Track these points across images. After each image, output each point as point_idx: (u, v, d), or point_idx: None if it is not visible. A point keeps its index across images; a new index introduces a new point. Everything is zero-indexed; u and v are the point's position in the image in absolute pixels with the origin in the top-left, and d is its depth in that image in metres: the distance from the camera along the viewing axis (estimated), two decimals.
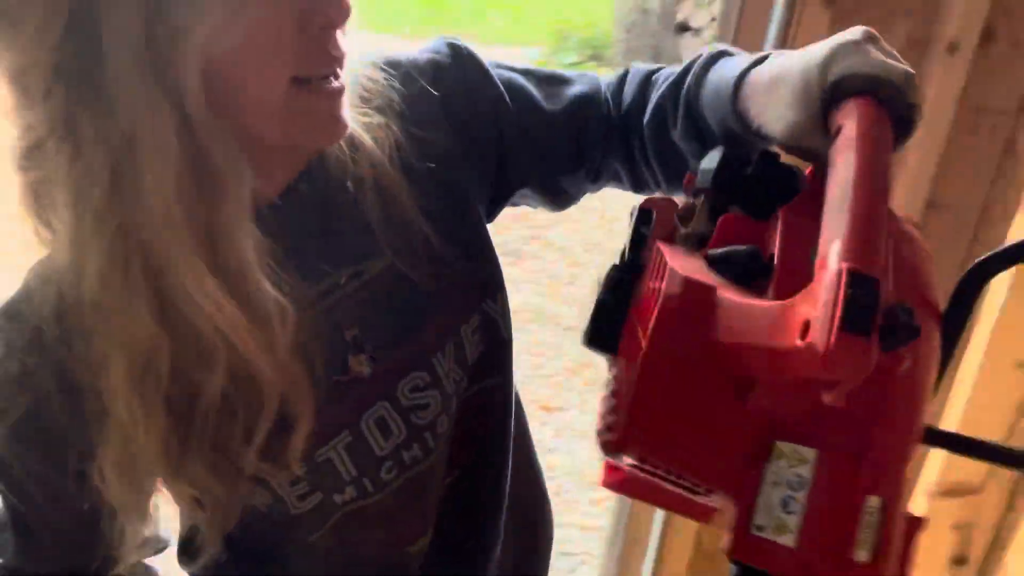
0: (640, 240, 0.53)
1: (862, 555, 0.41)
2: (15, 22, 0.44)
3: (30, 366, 0.53)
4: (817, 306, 0.38)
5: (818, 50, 0.47)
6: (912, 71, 0.45)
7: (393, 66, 0.60)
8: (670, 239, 0.53)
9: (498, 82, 0.63)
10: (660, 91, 0.59)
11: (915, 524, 0.43)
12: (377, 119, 0.58)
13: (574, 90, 0.65)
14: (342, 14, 0.47)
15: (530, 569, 0.75)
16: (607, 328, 0.49)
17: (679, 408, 0.45)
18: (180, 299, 0.49)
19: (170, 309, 0.49)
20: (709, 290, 0.44)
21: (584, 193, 0.68)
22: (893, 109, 0.45)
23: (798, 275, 0.43)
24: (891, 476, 0.42)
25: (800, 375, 0.40)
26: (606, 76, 0.68)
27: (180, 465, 0.54)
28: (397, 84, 0.59)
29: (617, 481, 0.52)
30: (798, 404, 0.42)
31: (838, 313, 0.37)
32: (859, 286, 0.37)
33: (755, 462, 0.45)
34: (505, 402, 0.65)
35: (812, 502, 0.43)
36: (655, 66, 0.64)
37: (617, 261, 0.52)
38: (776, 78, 0.50)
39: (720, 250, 0.49)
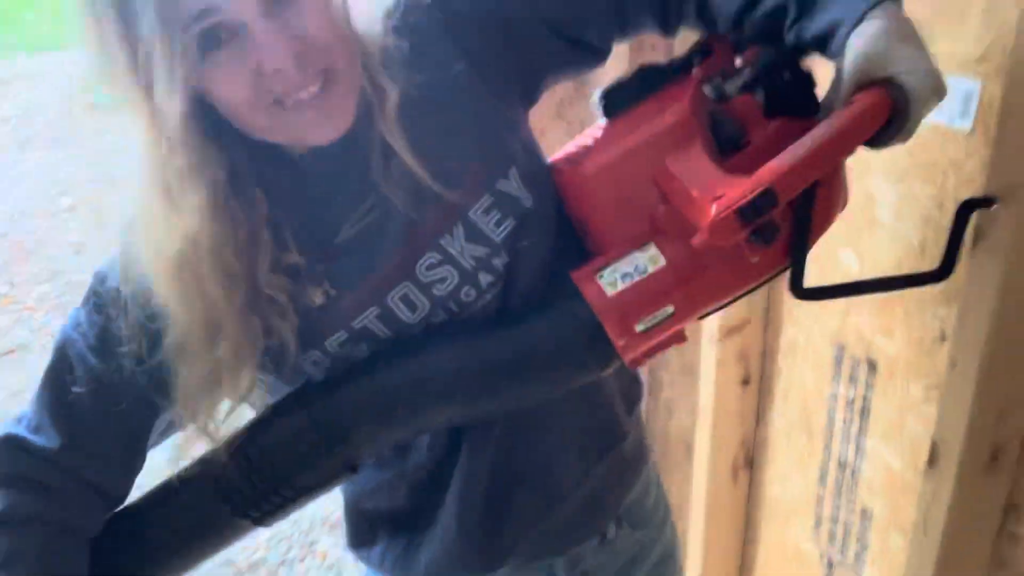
0: (689, 61, 0.68)
1: (639, 327, 0.62)
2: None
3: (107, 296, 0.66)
4: (735, 191, 0.56)
5: (907, 46, 0.58)
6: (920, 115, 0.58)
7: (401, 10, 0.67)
8: (708, 77, 0.67)
9: None
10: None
11: (680, 337, 0.66)
12: (384, 78, 0.64)
13: None
14: (287, 59, 0.56)
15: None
16: (620, 97, 0.67)
17: (626, 190, 0.64)
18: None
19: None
20: (695, 130, 0.62)
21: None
22: (896, 120, 0.58)
23: (748, 167, 0.58)
24: (689, 304, 0.63)
25: (692, 217, 0.58)
26: None
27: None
28: (400, 39, 0.65)
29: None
30: (678, 229, 0.61)
31: (739, 204, 0.55)
32: (765, 196, 0.55)
33: (632, 241, 0.63)
34: (542, 263, 0.70)
35: (639, 283, 0.62)
36: None
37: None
38: (874, 37, 0.58)
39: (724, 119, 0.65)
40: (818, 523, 1.10)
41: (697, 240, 0.57)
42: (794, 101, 0.65)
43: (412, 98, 0.64)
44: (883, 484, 0.96)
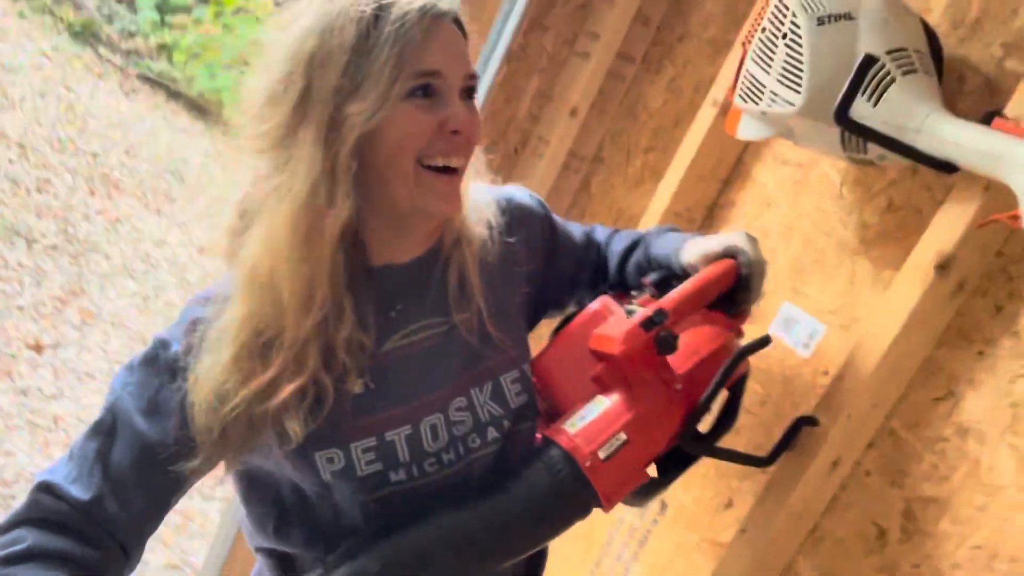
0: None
1: (601, 455, 0.75)
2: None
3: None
4: (638, 317, 0.76)
5: (746, 241, 0.84)
6: (760, 285, 0.85)
7: (503, 201, 0.86)
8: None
9: (560, 231, 0.93)
10: (635, 254, 0.93)
11: (644, 476, 0.79)
12: (479, 222, 0.82)
13: (594, 238, 0.98)
14: (470, 129, 0.73)
15: None
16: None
17: (572, 366, 0.81)
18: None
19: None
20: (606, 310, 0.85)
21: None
22: (741, 282, 0.83)
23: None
24: (637, 431, 0.76)
25: (613, 348, 0.75)
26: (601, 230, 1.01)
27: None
28: (498, 212, 0.85)
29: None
30: (613, 377, 0.77)
31: (641, 319, 0.74)
32: (659, 314, 0.74)
33: (585, 399, 0.78)
34: (531, 438, 0.85)
35: (592, 422, 0.76)
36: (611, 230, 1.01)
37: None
38: (710, 237, 0.87)
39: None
40: None
41: (617, 349, 0.74)
42: None
43: (487, 261, 0.81)
44: None
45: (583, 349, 0.79)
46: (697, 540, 1.06)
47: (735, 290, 0.83)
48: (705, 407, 0.78)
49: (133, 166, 4.11)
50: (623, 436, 0.74)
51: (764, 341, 0.82)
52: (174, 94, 5.16)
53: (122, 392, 0.71)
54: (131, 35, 5.42)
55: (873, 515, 0.87)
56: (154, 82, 5.15)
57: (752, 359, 1.00)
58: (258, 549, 0.84)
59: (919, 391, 0.86)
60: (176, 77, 5.24)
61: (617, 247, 0.95)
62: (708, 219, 1.18)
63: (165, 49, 5.41)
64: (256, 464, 0.76)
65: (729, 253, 0.83)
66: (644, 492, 0.81)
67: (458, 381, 0.78)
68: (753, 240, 0.85)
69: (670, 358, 0.77)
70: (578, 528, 1.27)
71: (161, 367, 0.72)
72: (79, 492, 0.70)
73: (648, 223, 1.20)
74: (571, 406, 0.78)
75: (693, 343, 0.81)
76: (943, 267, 0.79)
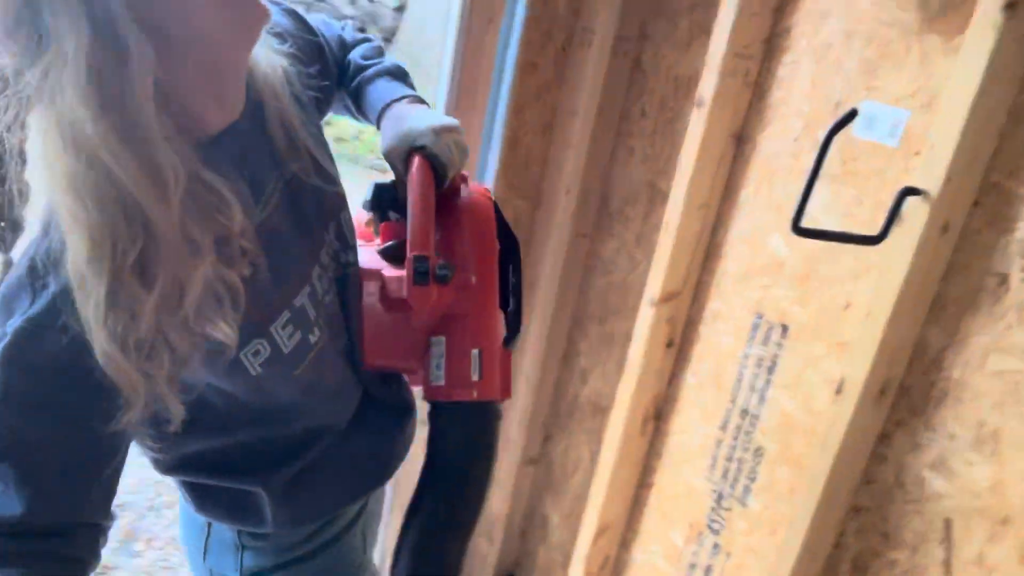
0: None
1: (474, 376, 0.86)
2: None
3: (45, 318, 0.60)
4: (401, 274, 0.81)
5: (423, 122, 0.86)
6: (454, 157, 0.87)
7: (288, 12, 0.87)
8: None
9: (324, 44, 0.96)
10: (357, 75, 0.97)
11: (508, 355, 0.91)
12: (279, 52, 0.79)
13: (343, 38, 1.01)
14: None
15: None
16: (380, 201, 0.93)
17: (392, 332, 0.87)
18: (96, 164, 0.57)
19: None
20: (379, 273, 0.88)
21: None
22: (437, 168, 0.85)
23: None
24: (482, 337, 0.87)
25: (408, 309, 0.82)
26: (338, 27, 1.02)
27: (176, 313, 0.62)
28: (290, 23, 0.86)
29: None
30: (429, 318, 0.85)
31: (409, 278, 0.79)
32: (419, 261, 0.80)
33: (426, 350, 0.86)
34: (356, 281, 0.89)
35: (447, 361, 0.85)
36: (360, 37, 1.01)
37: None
38: (399, 119, 0.89)
39: (384, 246, 0.92)
40: (713, 463, 1.32)
41: (415, 316, 0.83)
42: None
43: (293, 96, 0.80)
44: (778, 426, 1.20)
45: (385, 316, 0.86)
46: (823, 348, 1.12)
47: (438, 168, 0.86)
48: (506, 271, 0.89)
49: None
50: (476, 351, 0.84)
51: (851, 114, 0.86)
52: None
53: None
54: None
55: (990, 268, 0.91)
56: None
57: (840, 163, 1.05)
58: (183, 483, 0.83)
59: (1012, 140, 0.89)
60: None
61: (352, 69, 0.99)
62: (768, 52, 1.21)
63: None
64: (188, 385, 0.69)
65: (414, 148, 0.84)
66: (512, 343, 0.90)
67: (317, 226, 0.80)
68: (452, 130, 0.86)
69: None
70: (705, 374, 1.34)
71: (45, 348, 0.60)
72: (5, 510, 0.62)
73: (709, 79, 1.24)
74: (416, 361, 0.87)
75: (452, 233, 0.87)
76: (1012, 5, 0.81)
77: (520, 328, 0.90)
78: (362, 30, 1.07)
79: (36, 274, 0.61)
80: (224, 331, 0.63)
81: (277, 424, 0.81)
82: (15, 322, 0.61)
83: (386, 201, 0.88)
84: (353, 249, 0.87)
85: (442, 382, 0.84)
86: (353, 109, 1.00)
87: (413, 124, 0.86)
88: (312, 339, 0.77)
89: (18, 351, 0.61)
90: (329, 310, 0.81)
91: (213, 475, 0.81)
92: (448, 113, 1.49)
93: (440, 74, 1.46)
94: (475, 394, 0.83)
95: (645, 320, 1.35)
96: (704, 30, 1.32)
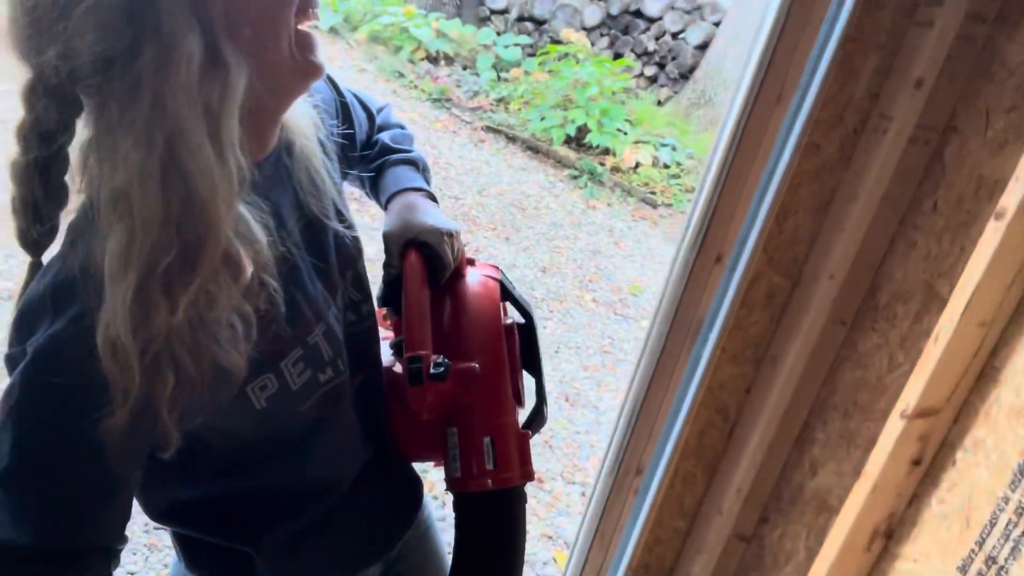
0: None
1: (489, 465, 0.85)
2: None
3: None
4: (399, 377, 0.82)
5: (431, 219, 0.88)
6: (451, 260, 0.86)
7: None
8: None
9: (350, 108, 1.00)
10: (383, 156, 1.00)
11: (525, 436, 0.89)
12: (310, 103, 0.84)
13: (373, 115, 1.06)
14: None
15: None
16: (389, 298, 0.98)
17: (415, 428, 0.91)
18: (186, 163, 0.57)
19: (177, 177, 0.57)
20: (391, 370, 0.94)
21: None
22: (436, 267, 0.84)
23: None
24: (494, 425, 0.87)
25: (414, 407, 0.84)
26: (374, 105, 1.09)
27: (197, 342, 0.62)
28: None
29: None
30: (436, 412, 0.85)
31: (405, 379, 0.80)
32: (413, 362, 0.80)
33: (443, 440, 0.88)
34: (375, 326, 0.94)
35: (460, 452, 0.85)
36: (394, 121, 1.06)
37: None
38: (410, 208, 0.90)
39: (395, 340, 0.95)
40: None
41: (423, 415, 0.82)
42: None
43: (320, 143, 0.84)
44: None
45: (405, 413, 0.86)
46: None
47: (434, 269, 0.84)
48: (524, 356, 0.88)
49: (484, 203, 4.76)
50: (487, 439, 0.82)
51: None
52: (512, 138, 5.86)
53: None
54: (475, 94, 6.30)
55: None
56: (496, 130, 5.91)
57: None
58: (177, 535, 0.80)
59: None
60: (512, 123, 5.96)
61: (378, 148, 0.99)
62: None
63: (502, 101, 6.18)
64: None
65: (414, 241, 0.84)
66: (533, 427, 0.89)
67: (335, 268, 0.81)
68: (453, 235, 0.84)
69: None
70: (953, 506, 1.22)
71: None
72: (15, 536, 0.60)
73: (1015, 190, 1.12)
74: (437, 450, 0.88)
75: (455, 321, 0.86)
76: None
77: (543, 408, 0.91)
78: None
79: (58, 292, 0.60)
80: (233, 361, 0.63)
81: (274, 472, 0.78)
82: (37, 340, 0.59)
83: (397, 296, 0.89)
84: (369, 298, 0.90)
85: (459, 474, 0.86)
86: (367, 185, 1.01)
87: (421, 218, 0.88)
88: (322, 378, 0.78)
89: (37, 371, 0.59)
90: (345, 353, 0.82)
91: (206, 528, 0.78)
92: (724, 162, 1.51)
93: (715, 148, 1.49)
94: (490, 483, 0.84)
95: (893, 430, 1.26)
96: (1021, 136, 1.20)
